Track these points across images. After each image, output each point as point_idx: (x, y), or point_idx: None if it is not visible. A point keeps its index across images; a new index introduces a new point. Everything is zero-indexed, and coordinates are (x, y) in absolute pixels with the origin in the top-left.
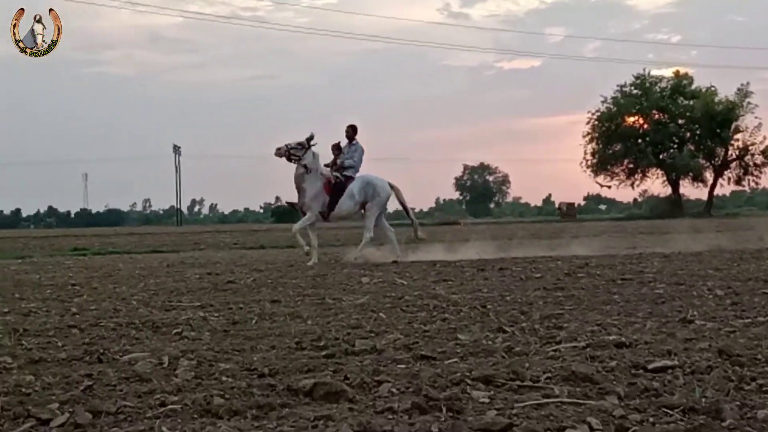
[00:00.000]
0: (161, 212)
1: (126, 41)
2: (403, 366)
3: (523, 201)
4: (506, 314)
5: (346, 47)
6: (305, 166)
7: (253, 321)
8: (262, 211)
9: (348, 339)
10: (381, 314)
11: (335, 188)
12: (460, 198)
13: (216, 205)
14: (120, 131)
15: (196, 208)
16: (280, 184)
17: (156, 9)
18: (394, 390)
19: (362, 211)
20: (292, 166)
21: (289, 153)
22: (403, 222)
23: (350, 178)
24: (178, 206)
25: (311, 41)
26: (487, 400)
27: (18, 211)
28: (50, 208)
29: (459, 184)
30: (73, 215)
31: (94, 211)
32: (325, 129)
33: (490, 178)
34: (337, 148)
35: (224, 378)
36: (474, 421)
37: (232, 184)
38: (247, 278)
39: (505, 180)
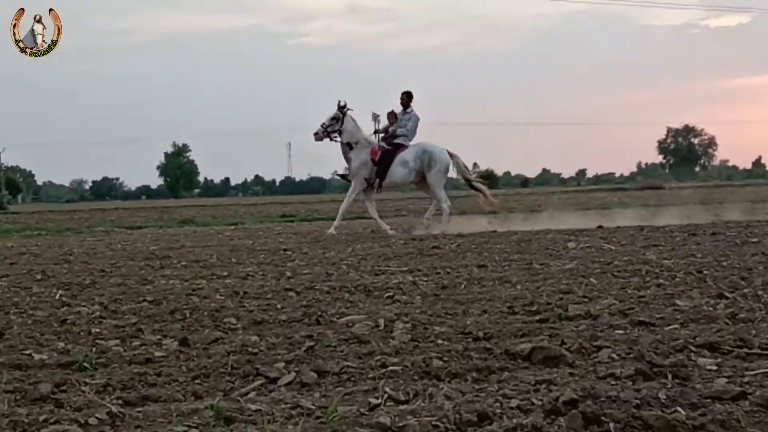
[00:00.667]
0: None
1: (326, 12)
2: (620, 332)
3: (730, 164)
4: (725, 280)
5: (545, 10)
6: (347, 143)
7: (462, 285)
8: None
9: (561, 304)
10: (592, 279)
11: (384, 156)
12: (663, 162)
13: None
14: (321, 101)
15: None
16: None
17: None
18: (614, 356)
19: (420, 182)
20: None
21: (327, 133)
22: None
23: (401, 146)
24: None
25: (509, 5)
26: (714, 368)
27: (227, 179)
28: (257, 176)
29: (662, 147)
30: (278, 183)
31: (297, 179)
32: (517, 96)
33: (695, 141)
34: (392, 116)
35: (440, 341)
36: (703, 388)
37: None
38: (451, 243)
39: (711, 142)
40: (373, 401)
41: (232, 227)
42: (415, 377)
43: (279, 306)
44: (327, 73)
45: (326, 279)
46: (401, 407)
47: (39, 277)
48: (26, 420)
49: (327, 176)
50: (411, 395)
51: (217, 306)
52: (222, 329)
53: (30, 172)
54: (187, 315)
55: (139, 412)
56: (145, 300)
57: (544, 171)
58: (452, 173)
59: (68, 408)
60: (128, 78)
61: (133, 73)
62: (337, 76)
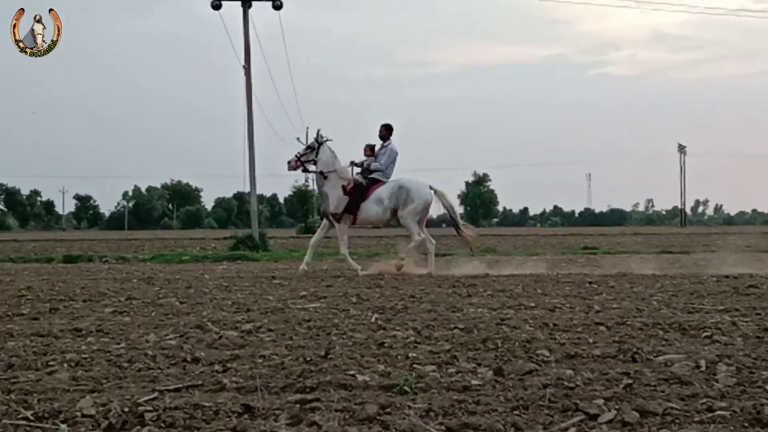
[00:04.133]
0: (664, 212)
1: (631, 41)
2: None
3: None
4: None
5: None
6: (321, 173)
7: None
8: None
9: None
10: None
11: (357, 191)
12: None
13: (721, 206)
14: (622, 131)
15: (700, 209)
16: None
17: (661, 6)
18: None
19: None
20: None
21: (301, 163)
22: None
23: (378, 182)
24: (682, 206)
25: None
26: None
27: (525, 209)
28: (555, 207)
29: None
30: (577, 214)
31: (597, 210)
32: None
33: None
34: (370, 149)
35: None
36: None
37: (739, 184)
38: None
39: None
40: None
41: (534, 257)
42: (745, 424)
43: (591, 340)
44: (630, 103)
45: (637, 314)
46: None
47: (354, 300)
48: None
49: (628, 208)
50: None
51: (528, 337)
52: (535, 361)
53: None
54: (499, 344)
55: None
56: (456, 327)
57: None
58: (435, 210)
59: (394, 430)
60: (431, 107)
61: (435, 103)
62: (639, 105)
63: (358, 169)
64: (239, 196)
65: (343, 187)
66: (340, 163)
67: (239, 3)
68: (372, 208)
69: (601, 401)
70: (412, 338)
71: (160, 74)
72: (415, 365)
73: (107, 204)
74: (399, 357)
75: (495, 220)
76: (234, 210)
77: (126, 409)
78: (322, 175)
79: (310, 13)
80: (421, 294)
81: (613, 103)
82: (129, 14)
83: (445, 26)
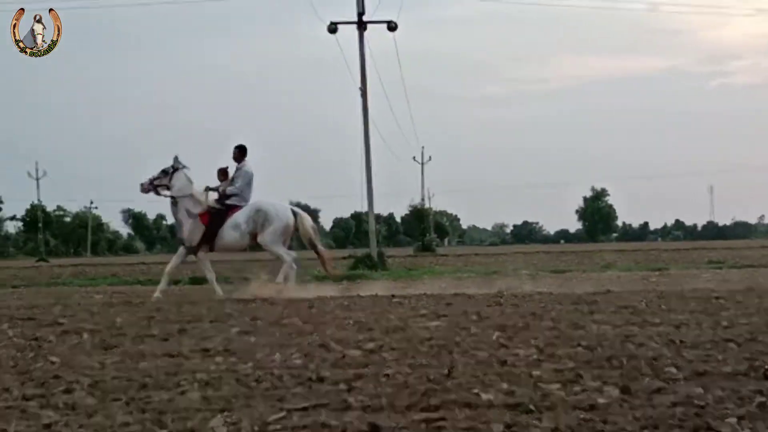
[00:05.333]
0: None
1: (752, 50)
2: None
3: None
4: None
5: None
6: (173, 198)
7: None
8: None
9: None
10: None
11: (214, 218)
12: None
13: None
14: (746, 141)
15: None
16: None
17: None
18: None
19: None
20: None
21: (153, 186)
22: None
23: (235, 207)
24: None
25: None
26: None
27: (646, 224)
28: (677, 221)
29: None
30: (699, 228)
31: (720, 223)
32: None
33: None
34: (222, 173)
35: None
36: None
37: None
38: None
39: None
40: None
41: (657, 273)
42: None
43: (720, 357)
44: (753, 113)
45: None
46: None
47: (475, 318)
48: None
49: (753, 220)
50: None
51: (655, 354)
52: (663, 379)
53: (456, 216)
54: (625, 362)
55: None
56: (579, 345)
57: None
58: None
59: None
60: (546, 123)
61: (551, 119)
62: (765, 115)
63: (214, 195)
64: (357, 216)
65: (200, 216)
66: (194, 188)
67: (355, 26)
68: (229, 233)
69: (733, 420)
70: (535, 356)
71: (275, 97)
72: (539, 384)
73: None
74: (522, 375)
75: (614, 235)
76: (352, 230)
77: (256, 428)
78: (174, 202)
79: (423, 33)
80: (542, 312)
81: (735, 113)
82: (245, 39)
83: (555, 41)
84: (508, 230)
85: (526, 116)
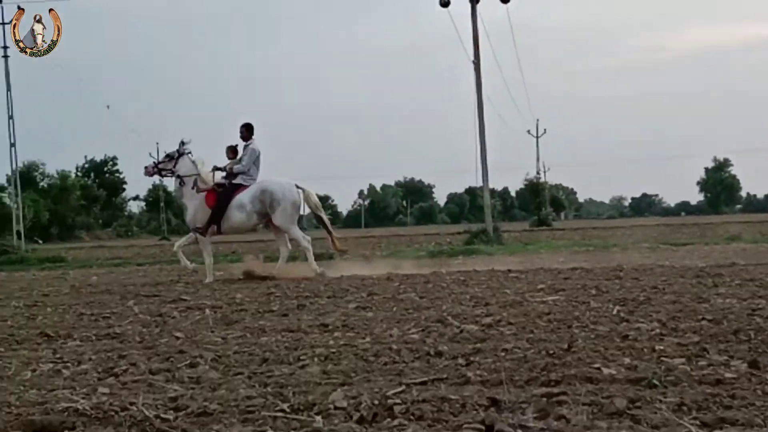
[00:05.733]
0: None
1: None
2: None
3: None
4: None
5: None
6: (179, 177)
7: None
8: None
9: None
10: None
11: (221, 198)
12: None
13: None
14: None
15: None
16: None
17: None
18: None
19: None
20: None
21: (158, 169)
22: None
23: (240, 187)
24: None
25: None
26: None
27: None
28: None
29: None
30: None
31: None
32: None
33: None
34: (231, 151)
35: None
36: None
37: None
38: None
39: None
40: None
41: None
42: None
43: None
44: None
45: None
46: None
47: (594, 292)
48: None
49: None
50: None
51: None
52: None
53: (572, 190)
54: (752, 336)
55: None
56: (704, 318)
57: None
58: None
59: (645, 425)
60: (665, 94)
61: (670, 90)
62: None
63: (222, 174)
64: (471, 191)
65: (205, 197)
66: (203, 170)
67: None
68: (235, 214)
69: None
70: (658, 330)
71: (389, 75)
72: (662, 358)
73: (344, 203)
74: (645, 350)
75: (738, 206)
76: (466, 205)
77: (376, 402)
78: (181, 183)
79: (536, 5)
80: (664, 285)
81: None
82: (355, 20)
83: (676, 10)
84: (626, 203)
85: (642, 88)
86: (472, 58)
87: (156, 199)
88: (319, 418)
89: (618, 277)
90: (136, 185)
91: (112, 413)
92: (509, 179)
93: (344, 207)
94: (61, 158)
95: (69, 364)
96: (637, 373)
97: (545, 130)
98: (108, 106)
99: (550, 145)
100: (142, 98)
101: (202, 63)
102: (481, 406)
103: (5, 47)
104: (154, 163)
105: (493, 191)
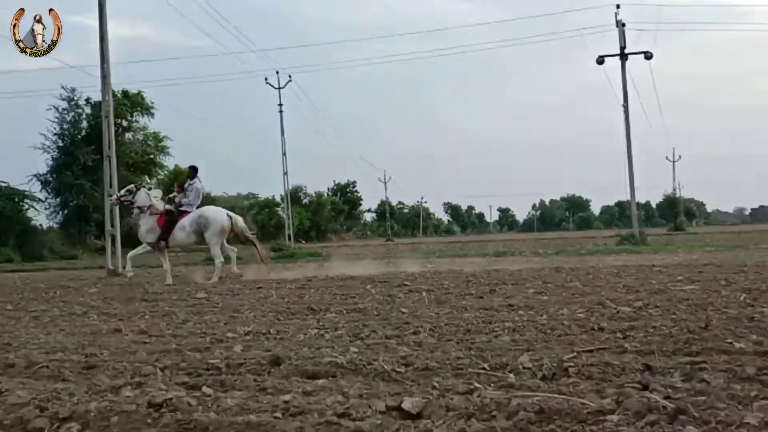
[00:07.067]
0: None
1: None
2: None
3: None
4: None
5: None
6: (139, 208)
7: None
8: None
9: None
10: None
11: (168, 221)
12: None
13: None
14: None
15: None
16: None
17: None
18: None
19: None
20: None
21: (120, 201)
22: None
23: (184, 213)
24: None
25: None
26: None
27: None
28: None
29: None
30: None
31: None
32: None
33: None
34: (179, 186)
35: None
36: None
37: None
38: None
39: None
40: None
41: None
42: None
43: None
44: None
45: None
46: None
47: (723, 282)
48: (740, 394)
49: None
50: None
51: None
52: None
53: (702, 202)
54: None
55: None
56: None
57: None
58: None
59: None
60: None
61: None
62: None
63: (171, 206)
64: (620, 204)
65: (157, 219)
66: (156, 201)
67: (618, 57)
68: (178, 234)
69: None
70: None
71: (555, 116)
72: None
73: (521, 213)
74: None
75: None
76: (616, 215)
77: (554, 364)
78: (139, 211)
79: (673, 57)
80: None
81: None
82: (531, 73)
83: None
84: (746, 213)
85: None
86: (621, 102)
87: (383, 211)
88: (511, 375)
89: (743, 271)
90: (369, 201)
91: (361, 366)
92: (651, 195)
93: (521, 216)
94: (318, 182)
95: (328, 330)
96: (764, 347)
97: (680, 156)
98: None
99: (683, 166)
100: (372, 137)
101: (406, 109)
102: (637, 370)
103: (280, 104)
104: (117, 196)
105: (638, 204)
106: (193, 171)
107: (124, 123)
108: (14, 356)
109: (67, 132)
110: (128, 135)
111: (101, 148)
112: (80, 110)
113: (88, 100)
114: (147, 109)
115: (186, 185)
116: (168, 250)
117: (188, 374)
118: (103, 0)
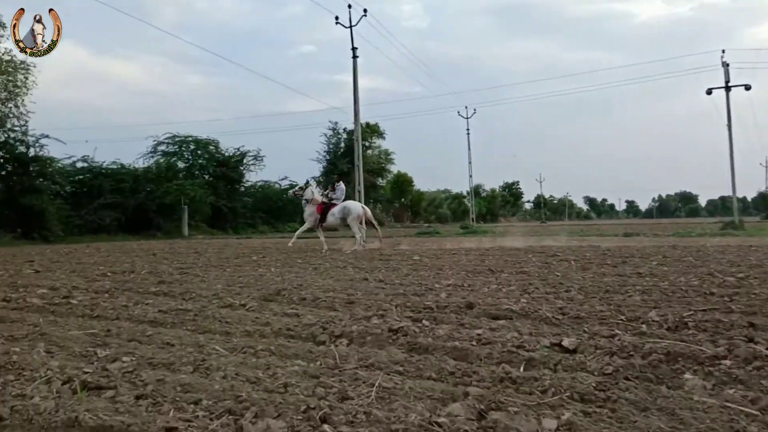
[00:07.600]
0: None
1: None
2: None
3: None
4: None
5: None
6: (305, 200)
7: None
8: None
9: None
10: None
11: (324, 209)
12: None
13: None
14: None
15: None
16: None
17: None
18: None
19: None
20: None
21: (295, 194)
22: None
23: (334, 204)
24: None
25: None
26: None
27: None
28: None
29: None
30: None
31: None
32: None
33: None
34: (332, 186)
35: None
36: None
37: None
38: None
39: None
40: None
41: None
42: None
43: None
44: None
45: None
46: None
47: None
48: None
49: None
50: None
51: None
52: None
53: None
54: None
55: None
56: None
57: None
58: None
59: None
60: None
61: None
62: None
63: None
64: (722, 198)
65: (317, 207)
66: (317, 195)
67: (723, 90)
68: (329, 218)
69: None
70: None
71: (669, 133)
72: None
73: (643, 204)
74: None
75: None
76: (719, 206)
77: (676, 319)
78: (306, 201)
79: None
80: None
81: None
82: (658, 99)
83: None
84: None
85: None
86: (725, 122)
87: (539, 203)
88: (643, 325)
89: None
90: (529, 194)
91: (530, 312)
92: (747, 191)
93: (643, 206)
94: (493, 181)
95: (504, 286)
96: None
97: None
98: (515, 155)
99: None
100: (533, 150)
101: (559, 129)
102: (743, 326)
103: (468, 129)
104: (293, 191)
105: (737, 198)
106: (339, 178)
107: (366, 143)
108: (305, 293)
109: (331, 150)
110: (369, 151)
111: (353, 160)
112: (340, 135)
113: (344, 129)
114: (380, 134)
115: (336, 186)
116: (322, 229)
117: (412, 311)
118: (356, 65)
